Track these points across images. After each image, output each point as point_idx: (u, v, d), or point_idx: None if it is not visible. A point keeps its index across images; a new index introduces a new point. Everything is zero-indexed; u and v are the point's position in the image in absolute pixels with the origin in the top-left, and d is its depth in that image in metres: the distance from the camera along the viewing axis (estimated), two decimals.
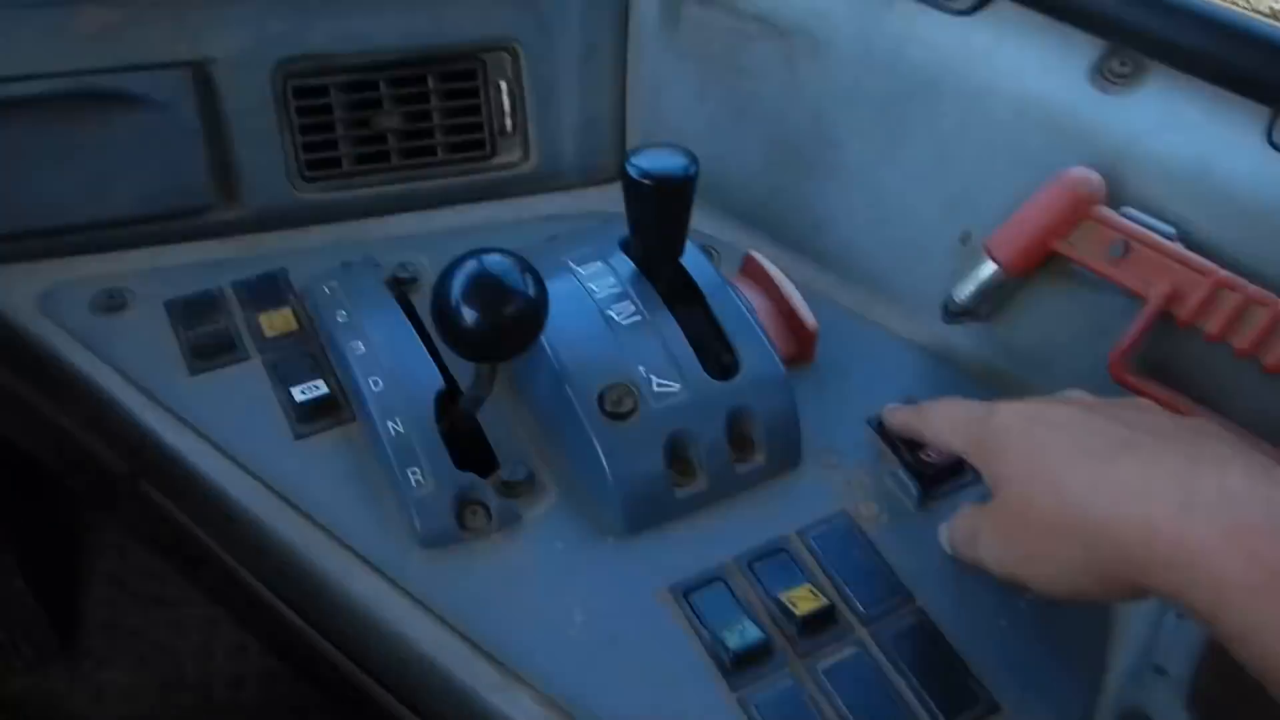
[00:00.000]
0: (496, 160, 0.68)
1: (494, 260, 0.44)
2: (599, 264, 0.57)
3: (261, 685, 1.01)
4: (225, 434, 0.51)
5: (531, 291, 0.44)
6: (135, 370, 0.53)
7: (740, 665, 0.46)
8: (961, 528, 0.48)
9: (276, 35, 0.61)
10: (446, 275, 0.44)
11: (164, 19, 0.58)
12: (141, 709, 0.99)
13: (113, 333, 0.55)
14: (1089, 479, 0.38)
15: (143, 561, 1.08)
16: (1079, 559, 0.38)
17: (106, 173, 0.57)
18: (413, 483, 0.49)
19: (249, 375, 0.54)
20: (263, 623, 0.58)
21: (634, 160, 0.51)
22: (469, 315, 0.43)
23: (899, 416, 0.53)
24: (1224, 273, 0.52)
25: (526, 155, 0.69)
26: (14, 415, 0.64)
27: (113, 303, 0.56)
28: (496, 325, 0.44)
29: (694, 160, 0.51)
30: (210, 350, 0.54)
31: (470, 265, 0.44)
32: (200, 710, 0.99)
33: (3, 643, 0.95)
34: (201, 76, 0.59)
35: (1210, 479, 0.35)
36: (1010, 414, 0.44)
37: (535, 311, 0.44)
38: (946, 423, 0.48)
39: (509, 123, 0.68)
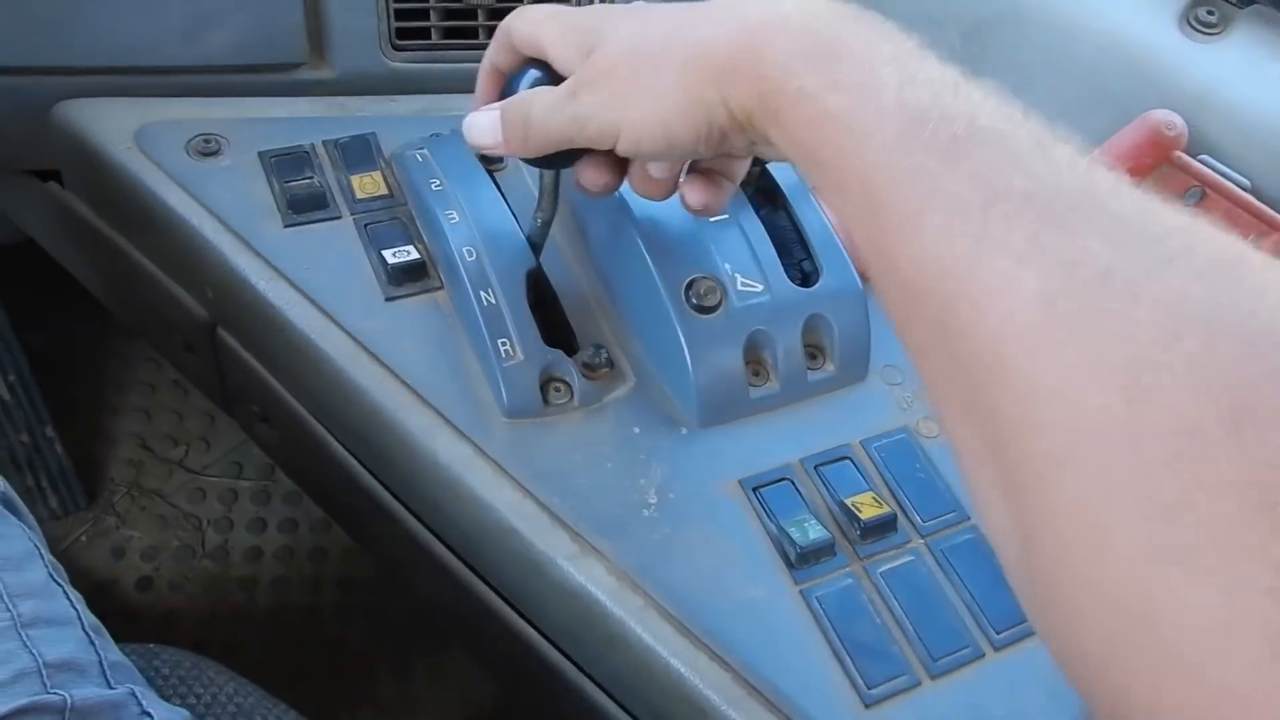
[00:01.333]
0: None
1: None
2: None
3: (278, 559, 1.03)
4: (317, 287, 0.51)
5: None
6: (229, 215, 0.53)
7: (804, 560, 0.48)
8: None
9: None
10: (515, 76, 0.44)
11: None
12: (159, 570, 1.01)
13: (207, 176, 0.54)
14: (681, 18, 0.38)
15: (169, 426, 1.09)
16: (669, 82, 0.37)
17: (205, 16, 0.57)
18: (502, 353, 0.49)
19: (341, 233, 0.54)
20: (328, 482, 0.59)
21: None
22: None
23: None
24: None
25: None
26: (92, 254, 0.64)
27: (208, 147, 0.55)
28: None
29: None
30: (305, 204, 0.54)
31: (536, 67, 0.44)
32: (216, 578, 1.01)
33: (30, 489, 0.96)
34: None
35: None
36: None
37: None
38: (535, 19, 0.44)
39: None
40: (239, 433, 1.04)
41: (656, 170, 0.44)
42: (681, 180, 0.45)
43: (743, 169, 0.46)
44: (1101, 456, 0.23)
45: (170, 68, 0.57)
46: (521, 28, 0.44)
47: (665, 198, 0.46)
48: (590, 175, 0.45)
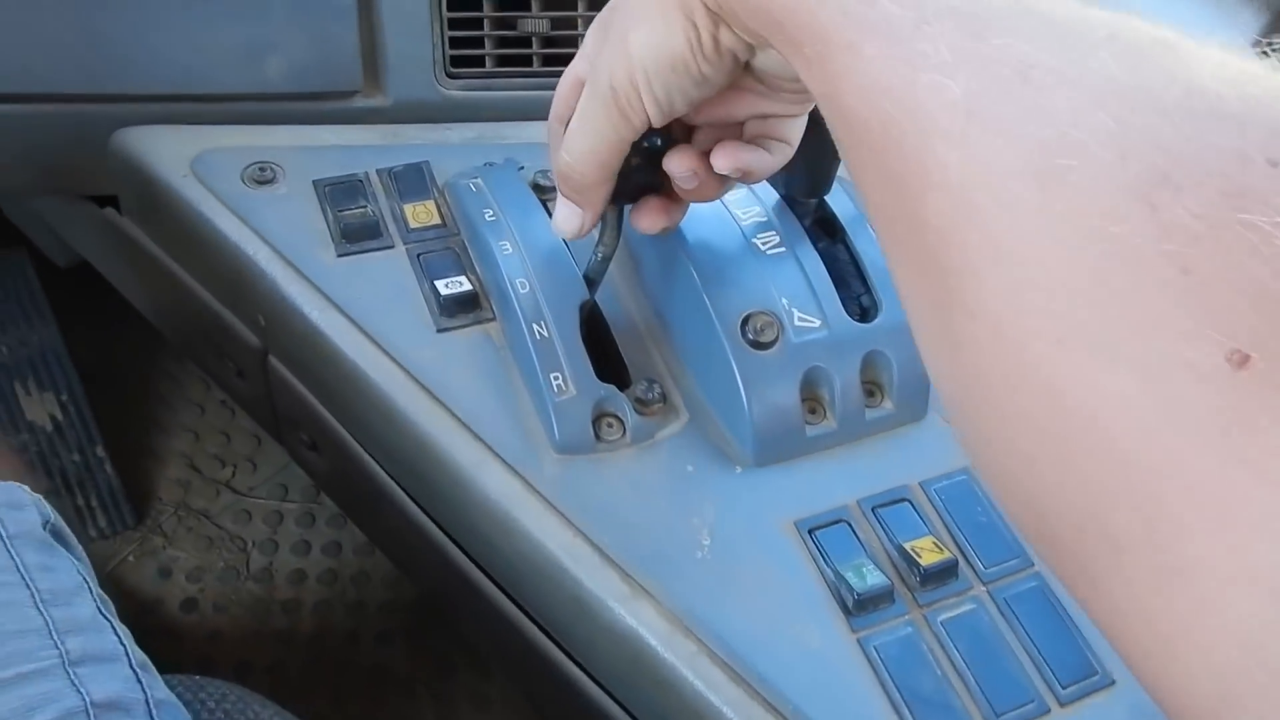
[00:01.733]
0: None
1: None
2: (744, 190, 0.56)
3: (321, 583, 1.03)
4: (368, 317, 0.51)
5: (660, 141, 0.44)
6: (283, 244, 0.53)
7: (862, 607, 0.46)
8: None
9: None
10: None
11: None
12: (204, 592, 1.01)
13: (262, 204, 0.54)
14: None
15: (217, 446, 1.10)
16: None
17: (262, 44, 0.57)
18: (554, 388, 0.48)
19: (393, 263, 0.53)
20: (375, 512, 0.58)
21: None
22: None
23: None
24: None
25: None
26: (147, 278, 0.65)
27: (263, 175, 0.55)
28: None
29: None
30: (358, 233, 0.54)
31: None
32: (260, 600, 1.01)
33: (80, 509, 0.97)
34: None
35: None
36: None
37: (660, 153, 0.44)
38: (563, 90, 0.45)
39: None
40: (285, 454, 1.05)
41: (681, 175, 0.44)
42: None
43: (795, 130, 0.45)
44: (1019, 244, 0.23)
45: (227, 95, 0.57)
46: (561, 81, 0.44)
47: (712, 197, 0.46)
48: (647, 221, 0.46)
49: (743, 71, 0.39)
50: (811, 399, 0.52)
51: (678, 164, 0.44)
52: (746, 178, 0.45)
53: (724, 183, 0.46)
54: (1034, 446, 0.23)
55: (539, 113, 0.65)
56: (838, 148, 0.31)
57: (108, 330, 1.04)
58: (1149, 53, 0.23)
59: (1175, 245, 0.20)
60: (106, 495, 0.99)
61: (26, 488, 0.48)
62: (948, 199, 0.25)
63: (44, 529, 0.46)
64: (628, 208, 0.49)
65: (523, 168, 0.58)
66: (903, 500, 0.51)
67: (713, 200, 0.47)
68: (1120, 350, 0.21)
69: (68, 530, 0.48)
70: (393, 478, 0.54)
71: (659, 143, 0.45)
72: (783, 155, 0.45)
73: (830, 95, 0.29)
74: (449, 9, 0.61)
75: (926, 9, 0.26)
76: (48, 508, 0.48)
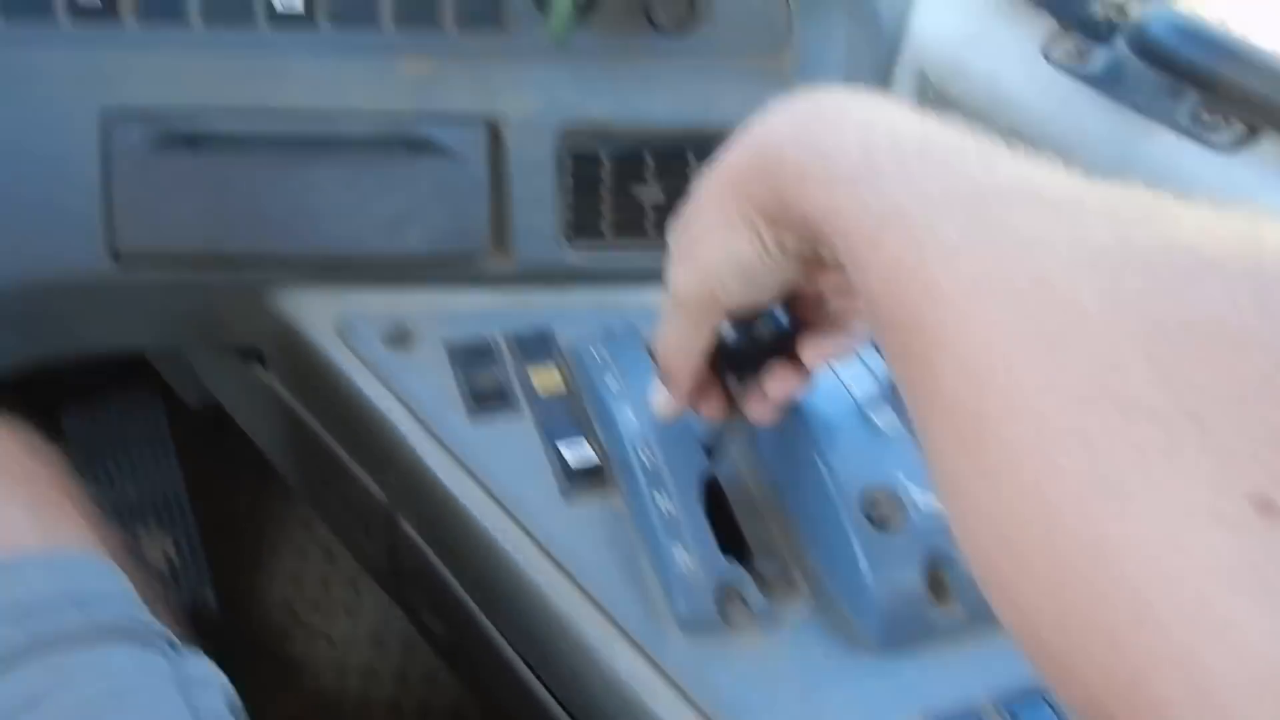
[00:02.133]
0: None
1: None
2: (858, 365, 0.56)
3: None
4: (497, 482, 0.52)
5: (786, 322, 0.46)
6: (417, 406, 0.54)
7: None
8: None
9: (564, 102, 0.64)
10: None
11: (469, 75, 0.63)
12: None
13: (400, 367, 0.57)
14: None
15: (315, 594, 1.10)
16: (715, 212, 0.39)
17: (404, 212, 0.60)
18: (678, 562, 0.48)
19: (521, 428, 0.54)
20: (490, 678, 0.57)
21: None
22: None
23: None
24: None
25: None
26: (284, 431, 0.67)
27: (401, 337, 0.58)
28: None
29: None
30: (487, 397, 0.55)
31: None
32: None
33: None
34: (494, 133, 0.63)
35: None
36: None
37: (787, 336, 0.46)
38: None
39: None
40: (381, 606, 1.04)
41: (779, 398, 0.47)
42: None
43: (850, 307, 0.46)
44: (1029, 405, 0.24)
45: (371, 258, 0.61)
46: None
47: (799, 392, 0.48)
48: (757, 411, 0.49)
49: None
50: (936, 583, 0.50)
51: (777, 389, 0.47)
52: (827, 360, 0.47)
53: (810, 377, 0.48)
54: (1065, 610, 0.23)
55: (655, 277, 0.67)
56: (874, 335, 0.32)
57: (224, 471, 1.08)
58: (1138, 218, 0.25)
59: (1180, 394, 0.21)
60: (216, 639, 0.99)
61: (208, 660, 0.48)
62: (961, 369, 0.26)
63: (229, 710, 0.46)
64: None
65: (640, 333, 0.59)
66: (1041, 699, 0.48)
67: (801, 392, 0.49)
68: (1144, 503, 0.21)
69: (240, 707, 0.48)
70: (514, 647, 0.54)
71: (785, 325, 0.46)
72: (848, 335, 0.47)
73: (863, 285, 0.31)
74: (573, 179, 0.64)
75: (935, 197, 0.28)
76: (225, 681, 0.48)
